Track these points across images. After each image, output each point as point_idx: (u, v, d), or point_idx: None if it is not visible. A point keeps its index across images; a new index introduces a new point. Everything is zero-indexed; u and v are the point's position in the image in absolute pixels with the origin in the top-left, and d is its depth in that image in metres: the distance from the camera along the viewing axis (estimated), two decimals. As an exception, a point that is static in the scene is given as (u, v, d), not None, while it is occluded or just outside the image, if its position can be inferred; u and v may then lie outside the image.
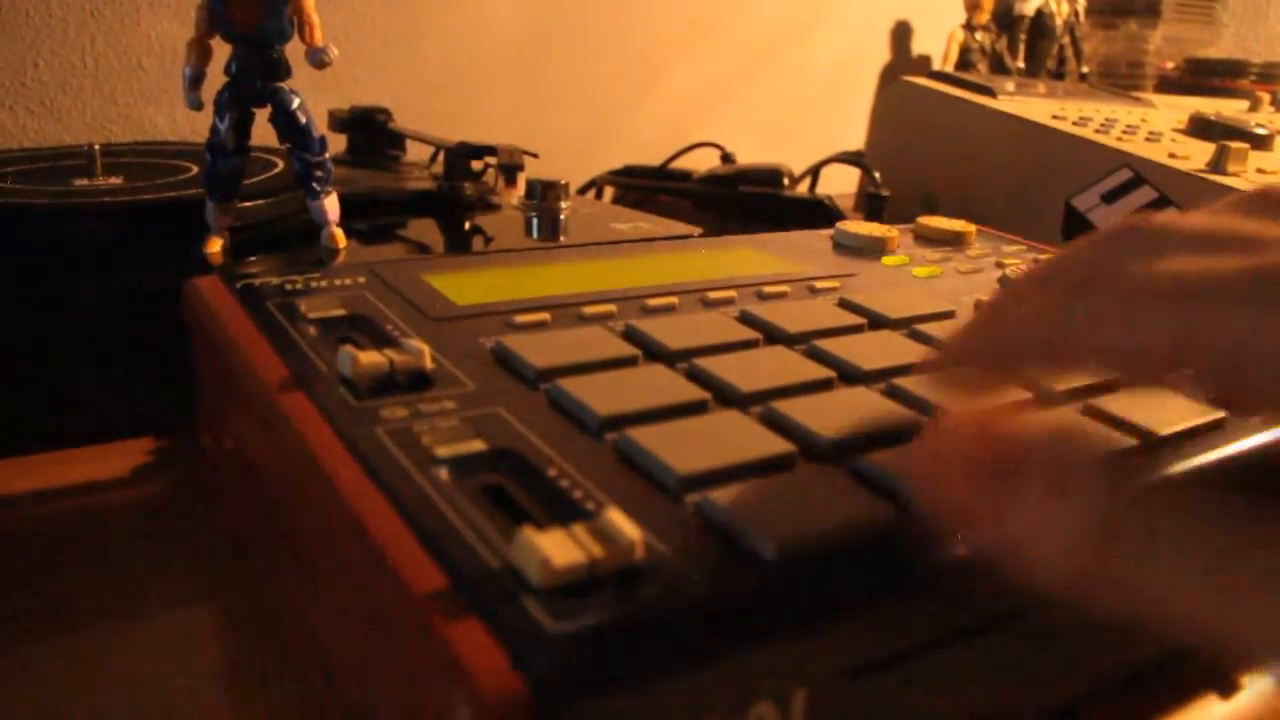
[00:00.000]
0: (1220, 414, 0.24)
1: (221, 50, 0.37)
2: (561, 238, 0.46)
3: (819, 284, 0.33)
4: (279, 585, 0.25)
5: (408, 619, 0.16)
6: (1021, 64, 1.09)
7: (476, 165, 0.52)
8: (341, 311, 0.28)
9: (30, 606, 0.27)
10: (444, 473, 0.20)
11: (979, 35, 1.03)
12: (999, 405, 0.17)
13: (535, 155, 0.51)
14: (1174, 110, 0.78)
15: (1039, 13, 1.10)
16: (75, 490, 0.33)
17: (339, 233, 0.39)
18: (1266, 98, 0.91)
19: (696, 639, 0.16)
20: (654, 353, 0.26)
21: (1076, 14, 1.13)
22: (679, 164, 0.73)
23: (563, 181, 0.50)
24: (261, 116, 0.38)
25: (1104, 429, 0.22)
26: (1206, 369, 0.16)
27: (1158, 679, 0.24)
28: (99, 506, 0.32)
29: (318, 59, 0.36)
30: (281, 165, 0.46)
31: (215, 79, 0.37)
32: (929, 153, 0.73)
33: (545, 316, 0.28)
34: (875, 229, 0.40)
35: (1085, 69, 1.14)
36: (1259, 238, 0.18)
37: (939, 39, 1.04)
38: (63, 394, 0.35)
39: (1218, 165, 0.56)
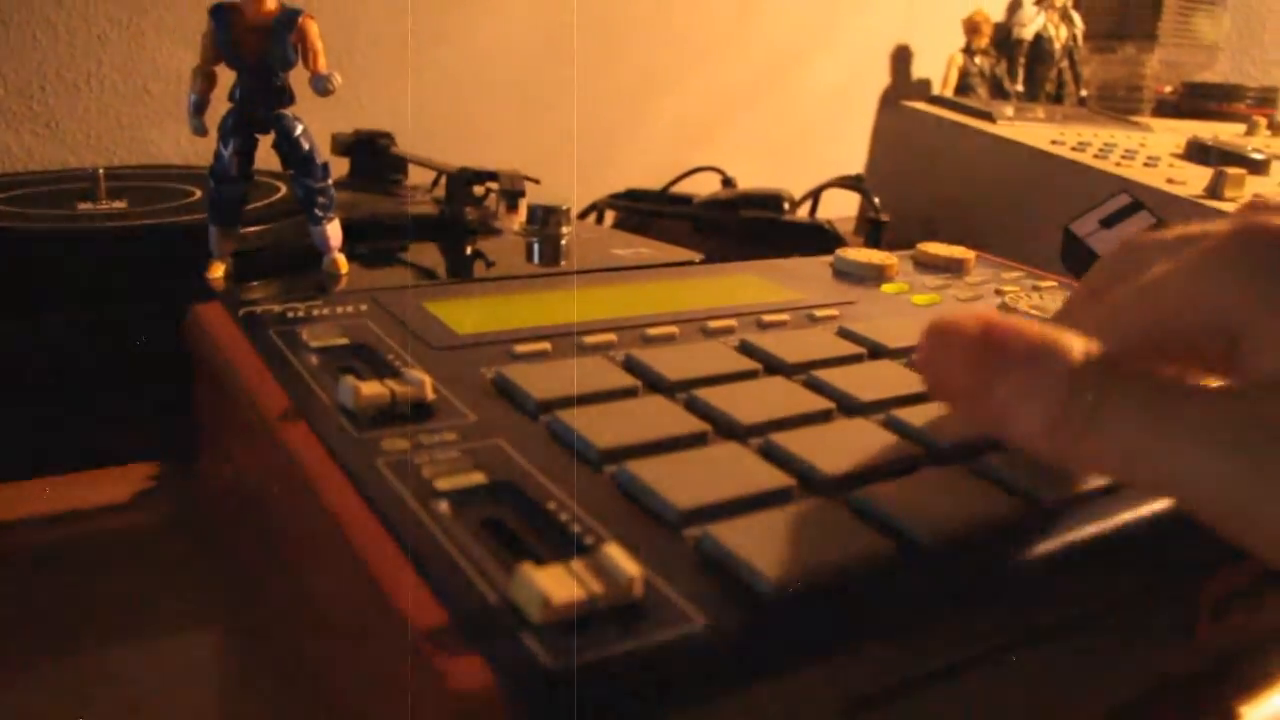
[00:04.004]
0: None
1: (226, 76, 0.37)
2: (563, 263, 0.46)
3: (818, 312, 0.33)
4: (277, 613, 0.25)
5: (406, 652, 0.16)
6: (1020, 88, 1.09)
7: (478, 190, 0.52)
8: (343, 340, 0.28)
9: (29, 631, 0.27)
10: (444, 506, 0.20)
11: (978, 59, 1.04)
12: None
13: (537, 181, 0.52)
14: (1171, 134, 0.79)
15: (1038, 37, 1.11)
16: (76, 515, 0.33)
17: (341, 259, 0.39)
18: (1263, 122, 0.91)
19: (696, 676, 0.16)
20: (654, 383, 0.26)
21: (1075, 38, 1.13)
22: (680, 188, 0.73)
23: (564, 207, 0.50)
24: (265, 142, 0.38)
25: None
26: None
27: (1164, 708, 0.24)
28: (99, 532, 0.32)
29: (322, 86, 0.36)
30: (284, 190, 0.46)
31: (219, 105, 0.37)
32: (929, 177, 0.73)
33: (546, 346, 0.28)
34: (875, 256, 0.40)
35: (1084, 93, 1.14)
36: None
37: (938, 63, 1.04)
38: (62, 418, 0.35)
39: (1215, 190, 0.56)
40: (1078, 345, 0.19)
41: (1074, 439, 0.18)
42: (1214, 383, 0.19)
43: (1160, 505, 0.22)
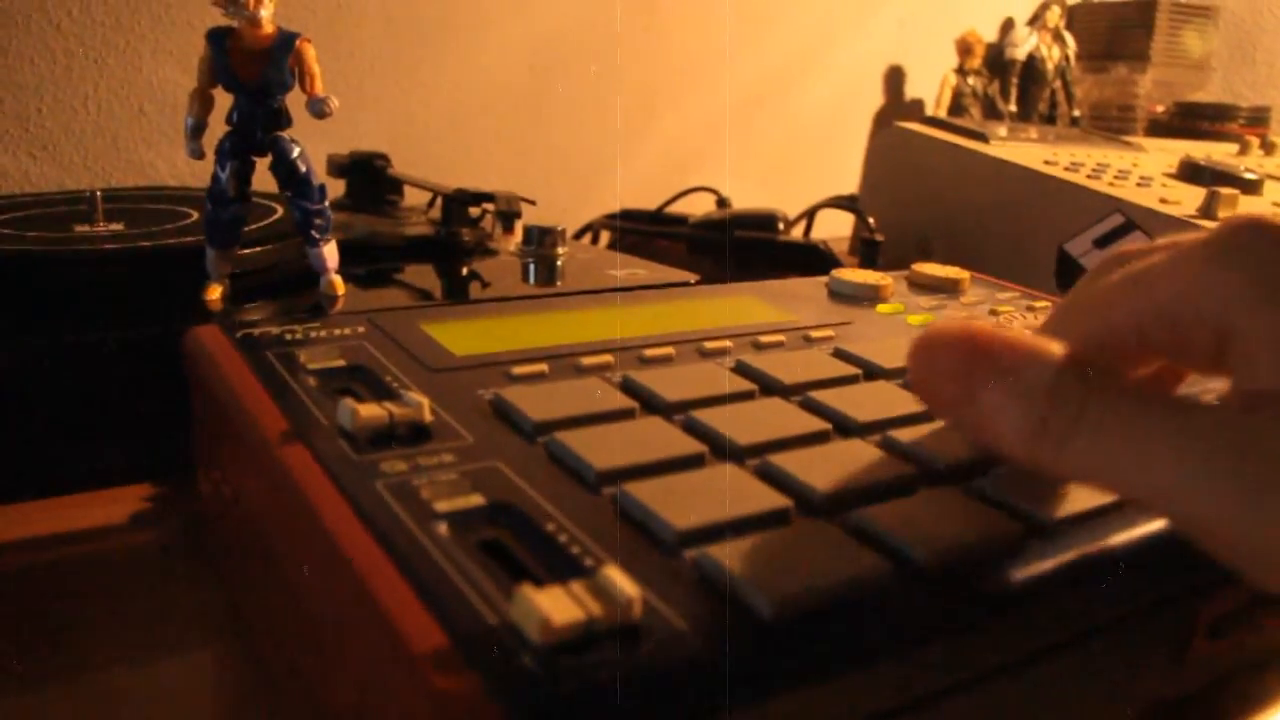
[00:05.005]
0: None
1: (223, 99, 0.37)
2: (558, 283, 0.46)
3: (814, 333, 0.33)
4: (276, 634, 0.25)
5: (407, 675, 0.16)
6: (1014, 108, 1.10)
7: (474, 211, 0.53)
8: (341, 362, 0.28)
9: (28, 652, 0.27)
10: (443, 528, 0.20)
11: (971, 80, 1.05)
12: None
13: (533, 202, 0.52)
14: (1164, 154, 0.79)
15: (1030, 57, 1.12)
16: (74, 536, 0.33)
17: (338, 280, 0.39)
18: (1255, 141, 0.92)
19: (694, 697, 0.16)
20: (651, 405, 0.26)
21: (1067, 58, 1.14)
22: (675, 208, 0.73)
23: (559, 228, 0.50)
24: (262, 164, 0.38)
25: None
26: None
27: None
28: (98, 553, 0.32)
29: (318, 109, 0.36)
30: (281, 212, 0.47)
31: (217, 127, 0.37)
32: (922, 198, 0.73)
33: (543, 367, 0.28)
34: (870, 277, 0.40)
35: (1077, 112, 1.15)
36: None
37: (932, 83, 1.05)
38: (62, 440, 0.35)
39: (1208, 211, 0.56)
40: (1061, 352, 0.19)
41: (1054, 449, 0.18)
42: (1202, 389, 0.19)
43: (1156, 525, 0.22)
